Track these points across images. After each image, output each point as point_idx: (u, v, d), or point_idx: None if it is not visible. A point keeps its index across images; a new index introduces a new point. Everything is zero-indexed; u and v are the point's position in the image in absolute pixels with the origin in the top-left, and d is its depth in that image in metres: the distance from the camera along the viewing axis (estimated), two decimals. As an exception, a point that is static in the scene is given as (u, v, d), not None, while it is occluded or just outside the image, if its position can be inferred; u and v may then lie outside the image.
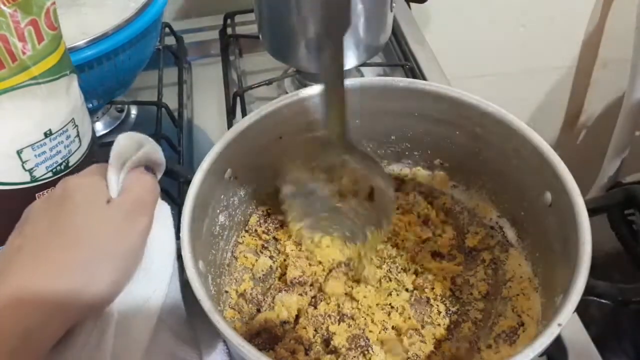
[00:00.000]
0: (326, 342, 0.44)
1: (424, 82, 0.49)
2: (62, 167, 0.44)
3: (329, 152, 0.44)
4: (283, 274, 0.49)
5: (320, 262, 0.49)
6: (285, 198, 0.47)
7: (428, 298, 0.47)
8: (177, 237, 0.39)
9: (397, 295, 0.47)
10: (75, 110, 0.44)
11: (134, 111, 0.75)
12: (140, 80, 0.71)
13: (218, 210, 0.47)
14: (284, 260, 0.50)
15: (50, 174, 0.43)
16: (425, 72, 0.76)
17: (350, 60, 0.68)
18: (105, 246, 0.34)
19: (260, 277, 0.50)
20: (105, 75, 0.59)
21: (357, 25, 0.65)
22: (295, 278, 0.48)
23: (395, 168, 0.56)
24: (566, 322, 0.33)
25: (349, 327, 0.45)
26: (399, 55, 0.80)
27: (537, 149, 0.43)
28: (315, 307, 0.46)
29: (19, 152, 0.40)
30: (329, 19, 0.36)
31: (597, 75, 1.20)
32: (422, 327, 0.45)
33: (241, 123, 0.46)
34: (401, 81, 0.49)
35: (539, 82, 1.22)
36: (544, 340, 0.33)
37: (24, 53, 0.38)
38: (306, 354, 0.44)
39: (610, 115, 1.16)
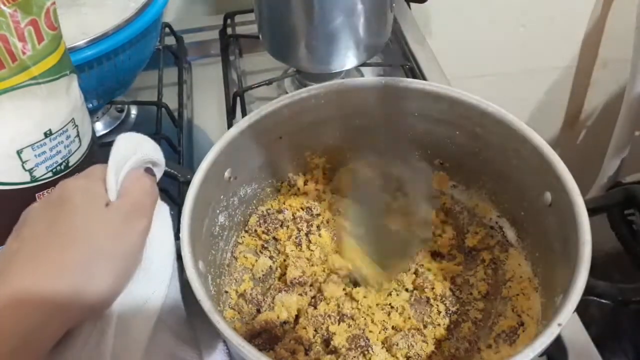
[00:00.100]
0: (326, 342, 0.44)
1: (424, 82, 0.49)
2: (62, 167, 0.44)
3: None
4: (283, 274, 0.49)
5: (322, 264, 0.49)
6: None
7: (428, 298, 0.47)
8: (177, 238, 0.39)
9: (397, 295, 0.47)
10: (75, 110, 0.44)
11: (134, 111, 0.75)
12: (140, 80, 0.71)
13: (218, 211, 0.47)
14: (284, 260, 0.50)
15: (50, 174, 0.43)
16: (425, 72, 0.76)
17: (350, 60, 0.68)
18: (105, 247, 0.34)
19: (260, 278, 0.50)
20: (105, 75, 0.59)
21: (357, 25, 0.65)
22: (295, 278, 0.48)
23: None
24: (566, 322, 0.33)
25: (349, 327, 0.45)
26: (399, 55, 0.80)
27: (537, 148, 0.43)
28: (315, 307, 0.46)
29: (19, 152, 0.40)
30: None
31: (597, 75, 1.20)
32: (424, 327, 0.45)
33: (241, 123, 0.46)
34: (401, 81, 0.49)
35: (539, 82, 1.22)
36: (544, 340, 0.33)
37: (24, 53, 0.38)
38: (306, 354, 0.44)
39: (610, 115, 1.16)
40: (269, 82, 0.71)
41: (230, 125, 0.69)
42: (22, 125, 0.40)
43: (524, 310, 0.44)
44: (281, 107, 0.48)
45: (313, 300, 0.47)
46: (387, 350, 0.43)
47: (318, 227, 0.52)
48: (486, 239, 0.50)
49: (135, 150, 0.39)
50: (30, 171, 0.42)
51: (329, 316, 0.45)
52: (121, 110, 0.73)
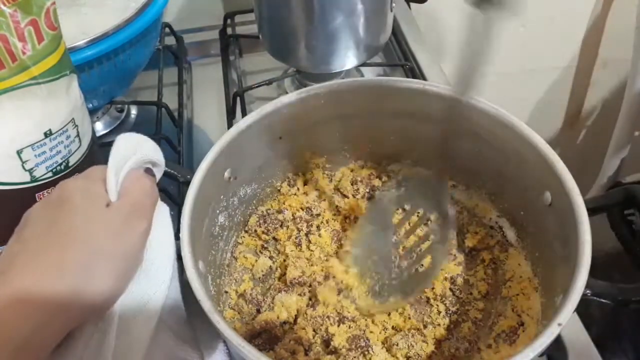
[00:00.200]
0: (326, 342, 0.44)
1: (423, 82, 0.49)
2: (62, 167, 0.44)
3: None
4: (283, 274, 0.49)
5: (321, 264, 0.49)
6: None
7: (428, 298, 0.47)
8: (177, 238, 0.39)
9: (397, 295, 0.47)
10: (75, 110, 0.44)
11: (134, 111, 0.75)
12: (140, 80, 0.71)
13: (218, 211, 0.47)
14: (284, 260, 0.50)
15: (50, 174, 0.43)
16: (425, 72, 0.76)
17: (350, 60, 0.68)
18: (105, 247, 0.34)
19: (260, 278, 0.50)
20: (105, 75, 0.59)
21: (357, 25, 0.65)
22: (295, 278, 0.48)
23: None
24: (566, 321, 0.33)
25: (349, 328, 0.45)
26: (399, 55, 0.80)
27: (537, 148, 0.43)
28: (314, 309, 0.46)
29: (19, 152, 0.40)
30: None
31: (597, 74, 1.20)
32: (424, 327, 0.45)
33: (241, 123, 0.46)
34: (401, 81, 0.49)
35: (539, 82, 1.22)
36: (544, 340, 0.33)
37: (24, 53, 0.38)
38: (306, 355, 0.44)
39: (610, 115, 1.16)
40: (269, 82, 0.71)
41: (230, 125, 0.69)
42: (22, 125, 0.40)
43: (524, 310, 0.44)
44: (281, 107, 0.48)
45: (311, 301, 0.47)
46: (387, 351, 0.43)
47: (318, 227, 0.52)
48: (486, 238, 0.50)
49: (135, 151, 0.39)
50: (30, 171, 0.42)
51: (328, 317, 0.45)
52: (121, 110, 0.73)
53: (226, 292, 0.48)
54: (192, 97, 0.79)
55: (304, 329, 0.45)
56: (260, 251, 0.52)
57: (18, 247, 0.33)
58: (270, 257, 0.51)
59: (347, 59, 0.68)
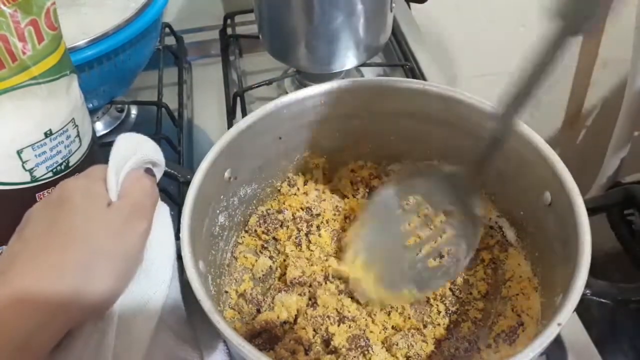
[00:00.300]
0: (326, 342, 0.44)
1: (423, 82, 0.49)
2: (63, 167, 0.44)
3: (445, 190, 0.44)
4: (283, 274, 0.49)
5: (321, 263, 0.49)
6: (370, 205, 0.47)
7: (428, 298, 0.47)
8: (177, 238, 0.39)
9: (397, 295, 0.47)
10: (76, 110, 0.44)
11: (134, 111, 0.75)
12: (141, 80, 0.71)
13: (218, 211, 0.47)
14: (284, 260, 0.50)
15: (50, 174, 0.43)
16: (425, 72, 0.76)
17: (350, 60, 0.68)
18: (105, 247, 0.34)
19: (260, 277, 0.50)
20: (106, 75, 0.59)
21: (357, 26, 0.65)
22: (295, 278, 0.48)
23: (395, 168, 0.56)
24: (566, 321, 0.33)
25: (349, 327, 0.45)
26: (399, 55, 0.81)
27: (537, 148, 0.43)
28: (314, 308, 0.46)
29: (19, 152, 0.40)
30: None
31: (597, 74, 1.20)
32: (424, 326, 0.45)
33: (241, 123, 0.46)
34: (401, 81, 0.49)
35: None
36: (544, 340, 0.33)
37: (24, 53, 0.38)
38: (306, 354, 0.44)
39: (609, 115, 1.16)
40: (269, 82, 0.71)
41: (230, 126, 0.69)
42: (22, 125, 0.40)
43: (524, 310, 0.44)
44: (281, 107, 0.48)
45: (311, 301, 0.47)
46: (387, 350, 0.43)
47: (318, 227, 0.52)
48: (486, 238, 0.50)
49: (135, 151, 0.39)
50: (30, 171, 0.42)
51: (328, 317, 0.45)
52: (121, 110, 0.74)
53: (226, 292, 0.48)
54: (192, 97, 0.79)
55: (304, 328, 0.45)
56: (260, 251, 0.52)
57: (18, 246, 0.33)
58: (271, 257, 0.51)
59: (347, 59, 0.68)
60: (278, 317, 0.46)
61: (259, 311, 0.47)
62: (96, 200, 0.35)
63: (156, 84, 0.72)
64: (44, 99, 0.41)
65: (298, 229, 0.52)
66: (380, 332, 0.45)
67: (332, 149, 0.54)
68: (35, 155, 0.41)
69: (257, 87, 0.71)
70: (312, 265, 0.49)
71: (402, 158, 0.55)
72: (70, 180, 0.36)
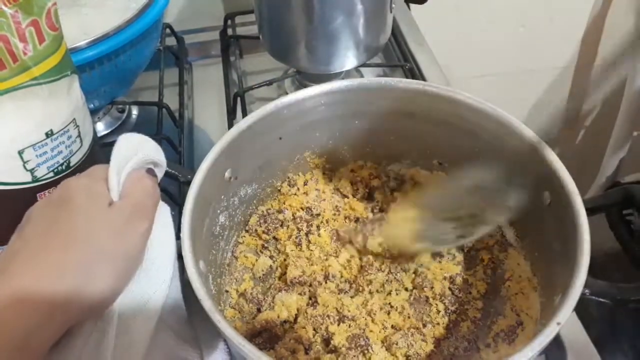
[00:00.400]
0: (326, 341, 0.44)
1: (423, 82, 0.49)
2: (64, 167, 0.44)
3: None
4: (283, 274, 0.50)
5: (321, 263, 0.50)
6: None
7: (427, 297, 0.47)
8: (178, 237, 0.39)
9: (397, 294, 0.47)
10: (77, 111, 0.44)
11: (135, 111, 0.75)
12: (141, 80, 0.71)
13: (218, 211, 0.47)
14: (284, 260, 0.50)
15: (51, 174, 0.43)
16: (424, 72, 0.76)
17: (350, 60, 0.68)
18: (106, 247, 0.34)
19: (260, 277, 0.50)
20: (107, 75, 0.60)
21: (357, 26, 0.65)
22: (295, 278, 0.48)
23: (395, 168, 0.56)
24: (565, 321, 0.33)
25: (349, 327, 0.45)
26: (398, 55, 0.81)
27: (537, 148, 0.43)
28: (315, 307, 0.46)
29: (20, 153, 0.40)
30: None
31: (597, 74, 1.20)
32: (424, 326, 0.46)
33: (241, 123, 0.46)
34: (400, 82, 0.49)
35: (539, 82, 1.22)
36: (543, 339, 0.33)
37: (25, 53, 0.38)
38: (306, 354, 0.44)
39: (609, 115, 1.17)
40: (269, 83, 0.71)
41: (230, 126, 0.69)
42: (23, 126, 0.40)
43: (523, 310, 0.44)
44: (281, 107, 0.48)
45: (311, 300, 0.47)
46: (386, 350, 0.44)
47: (318, 227, 0.52)
48: (485, 238, 0.50)
49: (137, 151, 0.39)
50: (31, 171, 0.42)
51: (328, 316, 0.45)
52: (122, 111, 0.74)
53: (227, 291, 0.48)
54: (192, 97, 0.79)
55: (304, 328, 0.45)
56: (260, 251, 0.52)
57: (19, 244, 0.33)
58: (271, 257, 0.51)
59: (346, 59, 0.68)
60: (278, 317, 0.46)
61: (259, 310, 0.47)
62: (98, 200, 0.35)
63: (157, 84, 0.72)
64: (45, 99, 0.41)
65: (298, 228, 0.52)
66: (380, 332, 0.45)
67: (332, 149, 0.54)
68: (37, 156, 0.41)
69: (257, 87, 0.71)
70: (312, 264, 0.49)
71: (402, 158, 0.55)
72: (72, 180, 0.36)
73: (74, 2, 0.61)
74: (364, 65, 0.73)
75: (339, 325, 0.45)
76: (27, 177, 0.42)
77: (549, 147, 0.43)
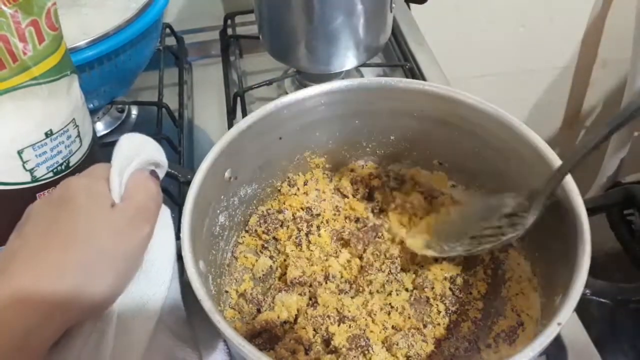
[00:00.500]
0: (326, 342, 0.44)
1: (423, 82, 0.49)
2: (63, 167, 0.44)
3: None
4: (283, 274, 0.49)
5: (321, 263, 0.49)
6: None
7: (428, 298, 0.47)
8: (178, 237, 0.39)
9: (397, 295, 0.47)
10: (76, 111, 0.44)
11: (134, 111, 0.75)
12: (141, 80, 0.71)
13: (218, 211, 0.47)
14: (284, 260, 0.50)
15: (51, 174, 0.43)
16: (425, 72, 0.76)
17: (350, 60, 0.68)
18: (106, 248, 0.34)
19: (260, 277, 0.50)
20: (106, 75, 0.60)
21: (357, 26, 0.65)
22: (295, 278, 0.48)
23: (395, 168, 0.56)
24: (566, 321, 0.33)
25: (349, 327, 0.45)
26: (398, 55, 0.81)
27: (537, 148, 0.43)
28: (315, 308, 0.46)
29: (19, 152, 0.40)
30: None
31: (597, 74, 1.20)
32: (424, 326, 0.45)
33: (241, 123, 0.46)
34: (401, 81, 0.49)
35: (539, 82, 1.22)
36: (544, 340, 0.33)
37: (24, 53, 0.38)
38: (306, 354, 0.44)
39: (609, 115, 1.16)
40: (269, 83, 0.71)
41: (230, 126, 0.69)
42: (23, 126, 0.40)
43: (524, 310, 0.44)
44: (281, 107, 0.48)
45: (311, 301, 0.47)
46: (387, 350, 0.43)
47: (318, 227, 0.52)
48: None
49: (139, 152, 0.39)
50: (31, 171, 0.42)
51: (328, 317, 0.45)
52: (122, 111, 0.74)
53: (226, 291, 0.48)
54: (192, 97, 0.79)
55: (304, 328, 0.45)
56: (260, 251, 0.52)
57: (19, 243, 0.33)
58: (271, 257, 0.51)
59: (346, 59, 0.68)
60: (278, 317, 0.46)
61: (259, 311, 0.47)
62: (99, 200, 0.35)
63: (157, 84, 0.72)
64: (45, 99, 0.41)
65: (298, 228, 0.52)
66: (380, 332, 0.45)
67: (332, 149, 0.54)
68: (36, 156, 0.41)
69: (257, 87, 0.71)
70: (312, 265, 0.49)
71: (402, 158, 0.55)
72: (73, 179, 0.36)
73: (74, 2, 0.61)
74: (364, 65, 0.73)
75: (339, 325, 0.45)
76: (27, 177, 0.42)
77: (550, 147, 0.43)
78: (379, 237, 0.51)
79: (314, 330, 0.45)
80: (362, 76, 0.77)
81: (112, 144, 0.38)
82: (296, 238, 0.51)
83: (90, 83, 0.57)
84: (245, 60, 0.83)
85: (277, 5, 0.65)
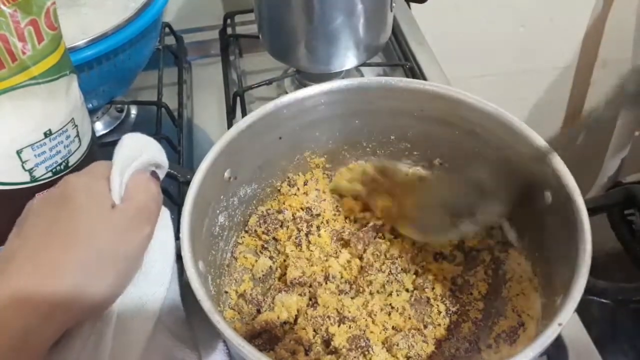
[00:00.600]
0: (326, 342, 0.44)
1: (423, 82, 0.49)
2: (62, 167, 0.44)
3: None
4: (283, 275, 0.49)
5: (321, 264, 0.49)
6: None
7: (428, 298, 0.47)
8: (177, 238, 0.39)
9: (398, 295, 0.47)
10: (75, 110, 0.44)
11: (133, 111, 0.75)
12: (140, 80, 0.71)
13: (218, 211, 0.47)
14: (284, 260, 0.50)
15: (50, 174, 0.43)
16: (425, 72, 0.76)
17: (350, 60, 0.68)
18: (107, 248, 0.34)
19: (260, 278, 0.50)
20: (105, 75, 0.59)
21: (357, 25, 0.65)
22: (295, 278, 0.48)
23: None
24: (566, 321, 0.33)
25: (349, 328, 0.45)
26: (399, 55, 0.81)
27: (537, 148, 0.43)
28: (315, 308, 0.46)
29: (18, 152, 0.40)
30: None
31: (597, 75, 1.20)
32: (425, 327, 0.45)
33: (241, 123, 0.46)
34: (401, 81, 0.49)
35: (539, 82, 1.22)
36: (544, 340, 0.33)
37: (23, 53, 0.38)
38: (306, 355, 0.44)
39: (609, 115, 1.16)
40: (269, 82, 0.71)
41: (230, 125, 0.69)
42: (22, 125, 0.40)
43: (524, 310, 0.44)
44: (281, 107, 0.48)
45: (311, 301, 0.47)
46: (387, 351, 0.43)
47: (318, 227, 0.52)
48: (486, 239, 0.50)
49: (141, 152, 0.38)
50: (30, 171, 0.42)
51: (328, 317, 0.45)
52: (121, 110, 0.73)
53: (226, 292, 0.48)
54: (192, 97, 0.79)
55: (304, 329, 0.45)
56: (260, 251, 0.52)
57: (18, 243, 0.33)
58: (270, 257, 0.51)
59: (347, 59, 0.68)
60: (278, 318, 0.45)
61: (259, 311, 0.47)
62: (99, 200, 0.35)
63: (156, 83, 0.72)
64: (44, 99, 0.41)
65: (298, 229, 0.52)
66: (380, 333, 0.45)
67: (332, 149, 0.54)
68: (35, 155, 0.41)
69: (257, 87, 0.71)
70: (312, 265, 0.49)
71: (402, 158, 0.55)
72: (72, 177, 0.36)
73: (73, 1, 0.61)
74: (364, 64, 0.72)
75: (339, 326, 0.45)
76: (26, 177, 0.42)
77: (550, 147, 0.43)
78: (379, 237, 0.51)
79: (314, 330, 0.45)
80: (362, 76, 0.77)
81: (112, 143, 0.38)
82: (296, 238, 0.51)
83: (89, 83, 0.57)
84: (245, 60, 0.83)
85: (277, 5, 0.65)
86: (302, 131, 0.51)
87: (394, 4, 0.67)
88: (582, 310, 0.40)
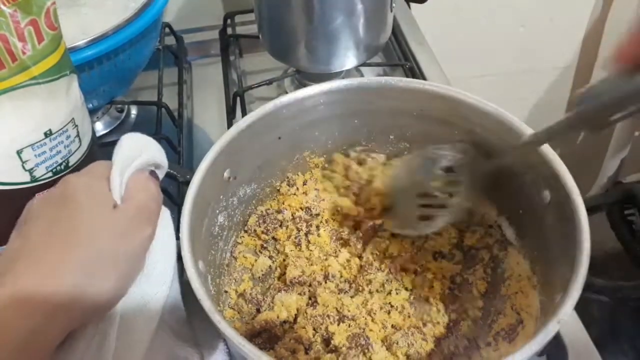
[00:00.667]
0: (326, 341, 0.44)
1: (423, 81, 0.49)
2: (62, 167, 0.44)
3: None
4: (282, 274, 0.49)
5: (321, 263, 0.49)
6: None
7: (427, 296, 0.47)
8: (177, 238, 0.39)
9: (397, 294, 0.47)
10: (75, 110, 0.44)
11: (134, 111, 0.75)
12: (141, 80, 0.71)
13: (217, 211, 0.47)
14: (284, 260, 0.50)
15: (50, 174, 0.43)
16: (425, 72, 0.76)
17: (350, 60, 0.68)
18: (109, 249, 0.34)
19: (259, 277, 0.50)
20: (106, 75, 0.60)
21: (357, 25, 0.65)
22: (294, 278, 0.48)
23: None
24: (565, 319, 0.33)
25: (349, 326, 0.45)
26: (398, 55, 0.81)
27: (537, 148, 0.43)
28: (314, 307, 0.46)
29: (19, 152, 0.40)
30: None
31: (597, 75, 1.20)
32: (424, 325, 0.45)
33: (241, 123, 0.46)
34: (400, 81, 0.49)
35: (539, 82, 1.22)
36: (543, 337, 0.33)
37: (24, 53, 0.38)
38: (306, 353, 0.44)
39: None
40: (269, 82, 0.71)
41: (230, 125, 0.69)
42: (22, 125, 0.40)
43: (523, 308, 0.44)
44: (281, 107, 0.48)
45: (311, 300, 0.47)
46: (387, 349, 0.43)
47: (317, 227, 0.52)
48: (485, 237, 0.50)
49: (141, 152, 0.38)
50: (30, 171, 0.42)
51: (328, 316, 0.45)
52: (121, 110, 0.74)
53: (226, 291, 0.48)
54: (192, 97, 0.79)
55: (304, 328, 0.45)
56: (259, 251, 0.52)
57: (19, 243, 0.33)
58: (270, 257, 0.51)
59: (347, 59, 0.68)
60: (278, 317, 0.46)
61: (258, 311, 0.47)
62: (100, 200, 0.35)
63: (156, 84, 0.72)
64: (44, 99, 0.41)
65: (297, 228, 0.52)
66: (380, 331, 0.45)
67: (332, 149, 0.54)
68: (35, 155, 0.41)
69: (257, 87, 0.71)
70: (311, 264, 0.49)
71: (401, 157, 0.55)
72: (73, 177, 0.36)
73: (73, 1, 0.61)
74: (364, 64, 0.73)
75: (339, 325, 0.45)
76: (26, 177, 0.42)
77: (550, 146, 0.43)
78: (378, 237, 0.51)
79: (314, 329, 0.45)
80: (362, 76, 0.77)
81: (112, 143, 0.38)
82: (295, 238, 0.51)
83: (89, 83, 0.57)
84: (245, 60, 0.83)
85: (277, 5, 0.65)
86: (301, 131, 0.51)
87: (394, 4, 0.67)
88: (582, 310, 0.40)
